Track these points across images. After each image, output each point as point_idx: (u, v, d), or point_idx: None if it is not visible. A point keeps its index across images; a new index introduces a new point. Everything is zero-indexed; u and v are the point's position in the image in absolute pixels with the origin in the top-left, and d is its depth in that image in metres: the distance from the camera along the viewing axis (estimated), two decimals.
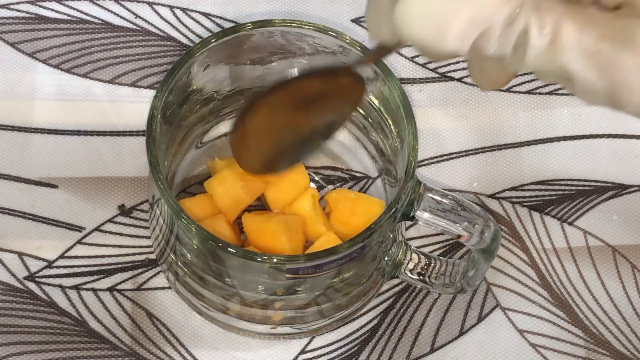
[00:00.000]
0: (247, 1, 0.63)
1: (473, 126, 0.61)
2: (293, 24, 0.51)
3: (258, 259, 0.46)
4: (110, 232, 0.57)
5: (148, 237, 0.57)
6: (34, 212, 0.57)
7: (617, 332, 0.56)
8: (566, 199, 0.59)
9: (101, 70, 0.61)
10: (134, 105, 0.60)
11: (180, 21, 0.62)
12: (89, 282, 0.56)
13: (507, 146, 0.60)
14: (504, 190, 0.59)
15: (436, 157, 0.60)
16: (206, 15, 0.63)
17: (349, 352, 0.55)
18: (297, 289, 0.50)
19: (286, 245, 0.52)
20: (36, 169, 0.58)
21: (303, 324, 0.53)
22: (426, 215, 0.49)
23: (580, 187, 0.60)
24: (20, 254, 0.56)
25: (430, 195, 0.49)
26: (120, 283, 0.56)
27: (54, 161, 0.58)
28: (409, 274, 0.54)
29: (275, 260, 0.47)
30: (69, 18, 0.62)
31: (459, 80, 0.62)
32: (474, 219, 0.49)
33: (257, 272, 0.49)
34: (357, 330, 0.56)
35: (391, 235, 0.51)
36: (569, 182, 0.60)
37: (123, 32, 0.62)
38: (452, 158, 0.60)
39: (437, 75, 0.62)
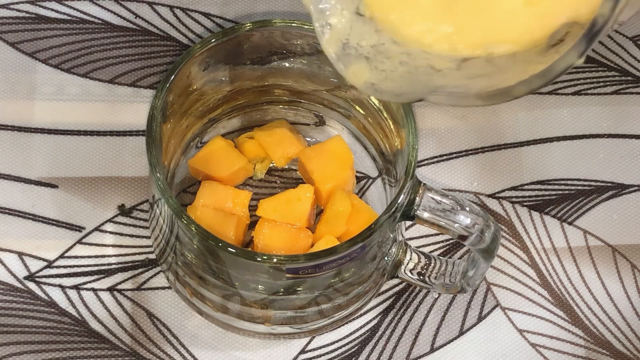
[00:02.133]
0: (247, 1, 0.63)
1: (473, 126, 0.61)
2: (293, 24, 0.52)
3: (258, 259, 0.46)
4: (110, 232, 0.57)
5: (148, 237, 0.57)
6: (34, 212, 0.57)
7: (617, 332, 0.56)
8: (566, 198, 0.59)
9: (101, 70, 0.61)
10: (133, 105, 0.60)
11: (180, 21, 0.62)
12: (89, 282, 0.56)
13: (507, 146, 0.60)
14: (504, 190, 0.59)
15: (436, 157, 0.60)
16: (206, 15, 0.63)
17: (349, 352, 0.55)
18: (297, 289, 0.50)
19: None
20: (36, 169, 0.58)
21: (303, 324, 0.53)
22: (426, 215, 0.49)
23: (580, 187, 0.60)
24: (20, 254, 0.56)
25: (430, 195, 0.49)
26: (120, 283, 0.56)
27: (54, 161, 0.58)
28: (409, 274, 0.54)
29: (275, 260, 0.47)
30: (69, 18, 0.62)
31: None
32: (474, 219, 0.49)
33: (257, 272, 0.49)
34: (357, 330, 0.56)
35: (391, 235, 0.51)
36: (569, 182, 0.60)
37: (123, 32, 0.62)
38: (452, 158, 0.60)
39: None
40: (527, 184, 0.60)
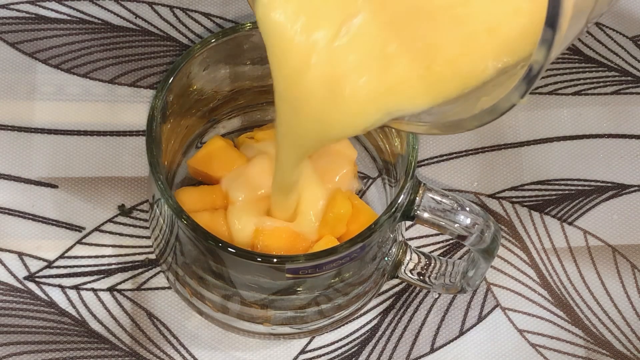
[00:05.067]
0: (247, 1, 0.63)
1: None
2: None
3: (258, 259, 0.46)
4: (110, 232, 0.57)
5: (148, 237, 0.57)
6: (34, 212, 0.57)
7: (617, 332, 0.56)
8: (566, 199, 0.59)
9: (101, 70, 0.61)
10: (134, 105, 0.60)
11: (180, 21, 0.62)
12: (89, 282, 0.56)
13: (507, 146, 0.60)
14: (504, 190, 0.59)
15: (436, 157, 0.60)
16: (206, 15, 0.63)
17: (349, 352, 0.55)
18: (297, 289, 0.50)
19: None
20: (36, 169, 0.58)
21: (303, 324, 0.53)
22: (426, 215, 0.49)
23: (580, 187, 0.60)
24: (20, 254, 0.56)
25: (430, 195, 0.49)
26: (120, 283, 0.56)
27: (54, 161, 0.58)
28: (409, 274, 0.54)
29: (275, 260, 0.47)
30: (69, 18, 0.62)
31: None
32: (474, 219, 0.49)
33: (257, 272, 0.49)
34: (357, 330, 0.56)
35: (391, 235, 0.51)
36: (569, 182, 0.60)
37: (123, 32, 0.62)
38: (452, 158, 0.60)
39: None
40: (527, 184, 0.60)
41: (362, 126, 0.41)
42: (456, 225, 0.49)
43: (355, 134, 0.42)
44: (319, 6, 0.40)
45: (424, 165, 0.60)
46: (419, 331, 0.56)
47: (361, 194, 0.58)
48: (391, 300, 0.57)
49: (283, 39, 0.40)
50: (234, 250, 0.46)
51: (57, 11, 0.62)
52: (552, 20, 0.31)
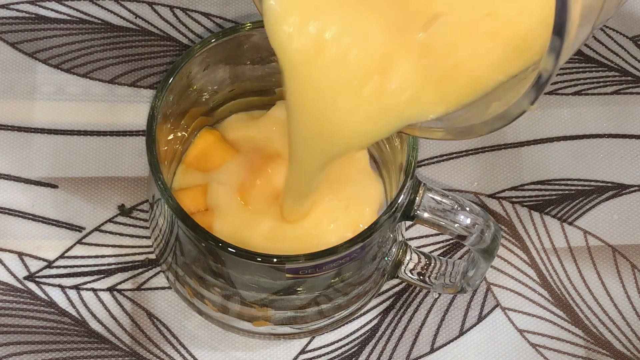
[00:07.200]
0: (247, 1, 0.63)
1: None
2: None
3: (258, 259, 0.46)
4: (110, 232, 0.57)
5: (148, 237, 0.57)
6: (34, 212, 0.57)
7: (617, 332, 0.56)
8: (566, 198, 0.59)
9: (101, 70, 0.61)
10: (133, 105, 0.60)
11: (180, 21, 0.62)
12: (89, 282, 0.56)
13: (507, 146, 0.60)
14: (504, 190, 0.59)
15: (436, 157, 0.60)
16: (206, 15, 0.63)
17: (349, 352, 0.55)
18: (297, 289, 0.50)
19: None
20: (36, 169, 0.58)
21: (303, 324, 0.53)
22: (426, 215, 0.49)
23: (580, 187, 0.60)
24: (20, 254, 0.56)
25: (430, 195, 0.49)
26: (120, 283, 0.56)
27: (54, 161, 0.58)
28: (409, 274, 0.54)
29: (275, 260, 0.47)
30: (69, 18, 0.62)
31: None
32: (474, 219, 0.49)
33: (257, 272, 0.49)
34: (357, 330, 0.56)
35: (391, 235, 0.51)
36: (569, 182, 0.60)
37: (123, 32, 0.62)
38: (452, 158, 0.60)
39: None
40: (527, 184, 0.60)
41: (378, 135, 0.41)
42: (456, 225, 0.49)
43: (372, 143, 0.43)
44: (329, 15, 0.40)
45: (424, 165, 0.60)
46: (419, 331, 0.56)
47: None
48: (391, 300, 0.57)
49: (299, 54, 0.41)
50: (233, 250, 0.46)
51: (57, 11, 0.62)
52: (559, 29, 0.31)
